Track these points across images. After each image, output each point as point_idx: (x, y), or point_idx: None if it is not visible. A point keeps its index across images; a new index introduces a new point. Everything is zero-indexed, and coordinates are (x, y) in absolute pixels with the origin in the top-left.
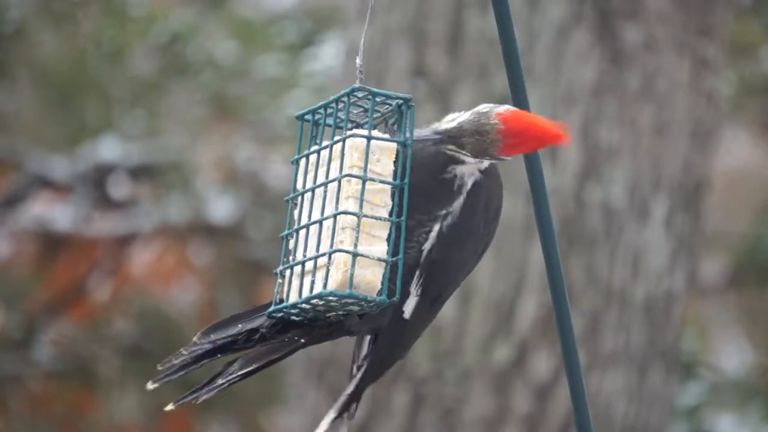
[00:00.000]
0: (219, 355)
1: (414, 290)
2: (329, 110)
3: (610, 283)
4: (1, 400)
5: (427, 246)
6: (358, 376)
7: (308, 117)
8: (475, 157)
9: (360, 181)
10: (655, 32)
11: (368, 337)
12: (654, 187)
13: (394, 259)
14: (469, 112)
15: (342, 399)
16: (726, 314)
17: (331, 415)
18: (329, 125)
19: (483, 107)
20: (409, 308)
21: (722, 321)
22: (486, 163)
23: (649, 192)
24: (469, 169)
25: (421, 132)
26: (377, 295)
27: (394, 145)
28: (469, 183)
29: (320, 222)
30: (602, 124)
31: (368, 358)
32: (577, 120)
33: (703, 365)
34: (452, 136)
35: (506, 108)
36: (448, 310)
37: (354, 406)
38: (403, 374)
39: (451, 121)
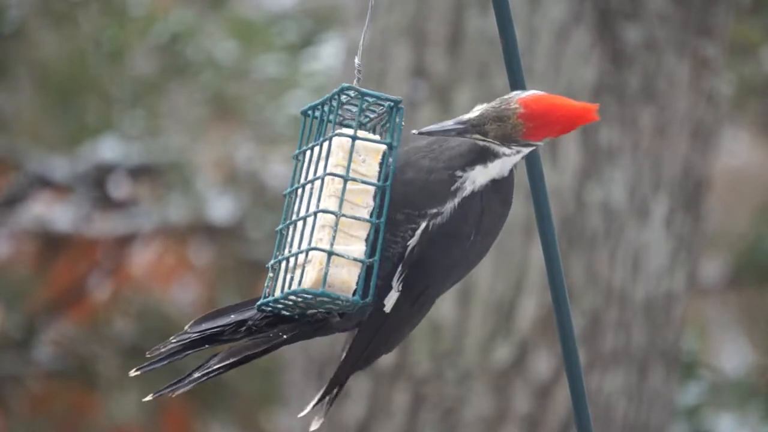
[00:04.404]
0: (207, 346)
1: (396, 285)
2: (330, 107)
3: (610, 283)
4: (1, 400)
5: (411, 242)
6: (338, 365)
7: (310, 113)
8: (503, 144)
9: (342, 180)
10: (655, 32)
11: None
12: (654, 187)
13: (370, 260)
14: (496, 100)
15: (324, 387)
16: (726, 314)
17: (314, 400)
18: (331, 121)
19: (509, 94)
20: (390, 302)
21: (722, 321)
22: (499, 174)
23: (649, 192)
24: (480, 175)
25: (445, 123)
26: (352, 294)
27: (381, 147)
28: (468, 189)
29: (305, 219)
30: (602, 124)
31: (347, 350)
32: None
33: (703, 365)
34: (475, 125)
35: (532, 93)
36: (448, 310)
37: (333, 394)
38: (403, 374)
39: (476, 110)
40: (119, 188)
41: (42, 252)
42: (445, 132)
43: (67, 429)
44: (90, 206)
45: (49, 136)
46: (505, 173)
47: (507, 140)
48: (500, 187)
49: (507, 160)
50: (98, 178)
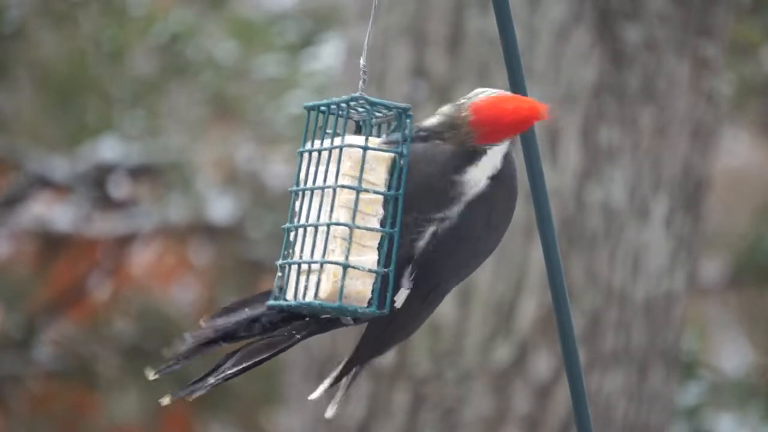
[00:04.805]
0: (222, 344)
1: (406, 283)
2: (337, 112)
3: (610, 283)
4: (1, 400)
5: (420, 245)
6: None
7: (315, 109)
8: (465, 147)
9: (353, 191)
10: (655, 32)
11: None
12: (654, 187)
13: (385, 270)
14: (452, 104)
15: (332, 378)
16: (726, 314)
17: (326, 383)
18: (341, 115)
19: (468, 95)
20: (400, 299)
21: (722, 321)
22: (494, 168)
23: (649, 192)
24: (477, 175)
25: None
26: (367, 304)
27: (389, 155)
28: (471, 193)
29: (316, 227)
30: (602, 124)
31: (356, 345)
32: (577, 120)
33: (703, 365)
34: (435, 132)
35: (487, 95)
36: (448, 310)
37: (345, 381)
38: (403, 374)
39: (437, 115)
40: (119, 188)
41: (42, 252)
42: (411, 139)
43: (67, 429)
44: (90, 206)
45: (49, 136)
46: (498, 165)
47: (464, 145)
48: (501, 182)
49: (493, 154)
50: (98, 178)
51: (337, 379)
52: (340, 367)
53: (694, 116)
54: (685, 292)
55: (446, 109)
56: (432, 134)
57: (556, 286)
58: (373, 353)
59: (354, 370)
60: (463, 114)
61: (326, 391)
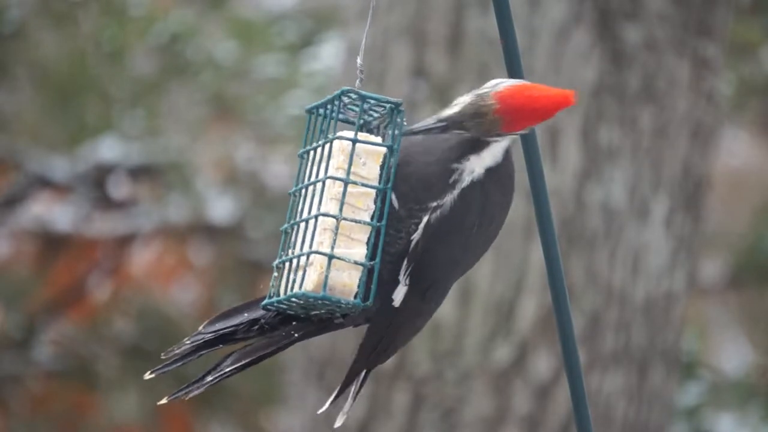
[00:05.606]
0: (221, 345)
1: (402, 279)
2: (332, 108)
3: (610, 283)
4: (1, 400)
5: (415, 237)
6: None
7: (315, 111)
8: (484, 137)
9: (342, 184)
10: (655, 32)
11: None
12: (654, 187)
13: (372, 263)
14: (471, 94)
15: (340, 385)
16: (726, 314)
17: (333, 396)
18: (341, 120)
19: (486, 86)
20: (398, 296)
21: (722, 321)
22: (494, 160)
23: (649, 192)
24: (476, 164)
25: (426, 121)
26: (353, 297)
27: (382, 149)
28: (467, 180)
29: (307, 221)
30: (602, 124)
31: (358, 346)
32: (577, 120)
33: (703, 365)
34: (455, 122)
35: (508, 84)
36: (448, 310)
37: (353, 391)
38: (403, 374)
39: (455, 105)
40: (119, 188)
41: (42, 252)
42: (428, 130)
43: (67, 429)
44: (90, 206)
45: (49, 136)
46: (499, 158)
47: (487, 135)
48: (499, 177)
49: (497, 146)
50: (98, 178)
51: (343, 389)
52: (345, 377)
53: (694, 116)
54: (685, 292)
55: (465, 98)
56: (451, 124)
57: (556, 286)
58: (375, 358)
59: (361, 376)
60: (488, 103)
61: (326, 400)
